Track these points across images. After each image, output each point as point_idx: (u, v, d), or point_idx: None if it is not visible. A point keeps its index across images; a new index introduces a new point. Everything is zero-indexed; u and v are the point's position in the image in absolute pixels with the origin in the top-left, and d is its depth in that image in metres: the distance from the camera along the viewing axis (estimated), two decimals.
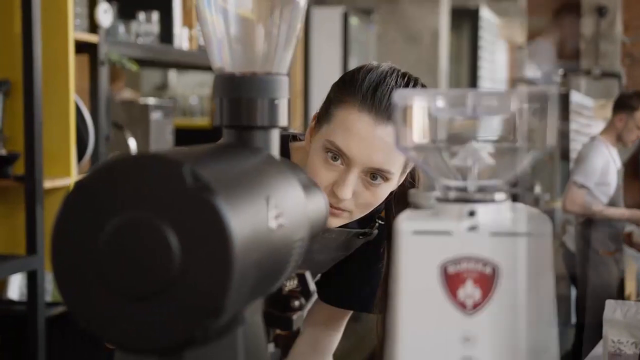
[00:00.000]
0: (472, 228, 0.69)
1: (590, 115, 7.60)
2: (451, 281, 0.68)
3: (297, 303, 0.87)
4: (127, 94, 3.73)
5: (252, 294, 0.69)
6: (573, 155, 7.21)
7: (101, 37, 2.65)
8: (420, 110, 0.72)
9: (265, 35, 0.84)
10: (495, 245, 0.68)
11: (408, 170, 1.32)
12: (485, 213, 0.70)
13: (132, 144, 2.88)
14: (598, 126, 8.47)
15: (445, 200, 0.72)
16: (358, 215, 1.29)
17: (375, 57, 5.17)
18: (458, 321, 0.68)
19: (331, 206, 1.25)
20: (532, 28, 10.07)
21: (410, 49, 5.32)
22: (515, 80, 8.60)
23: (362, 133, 1.21)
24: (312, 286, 0.88)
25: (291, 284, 0.88)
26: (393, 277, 0.71)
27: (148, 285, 0.62)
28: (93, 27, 2.64)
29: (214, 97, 0.84)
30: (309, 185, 0.87)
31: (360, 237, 1.42)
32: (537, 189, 6.49)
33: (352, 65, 5.82)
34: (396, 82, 1.25)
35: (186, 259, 0.61)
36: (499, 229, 0.69)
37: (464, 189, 0.72)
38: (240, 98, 0.82)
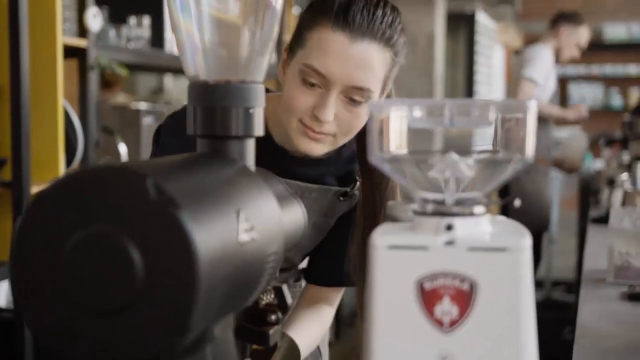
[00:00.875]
0: (449, 243, 0.67)
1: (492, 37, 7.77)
2: (427, 298, 0.66)
3: (273, 317, 0.84)
4: (121, 98, 3.70)
5: (222, 311, 0.67)
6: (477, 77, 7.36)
7: (90, 42, 2.62)
8: (396, 120, 0.70)
9: (240, 42, 0.82)
10: (473, 261, 0.66)
11: (387, 91, 1.30)
12: (464, 227, 0.68)
13: (123, 149, 2.86)
14: (499, 49, 8.59)
15: (422, 213, 0.70)
16: (342, 140, 1.27)
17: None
18: (435, 339, 0.66)
19: (313, 131, 1.24)
20: (529, 32, 10.07)
21: (406, 53, 5.29)
22: None
23: (338, 52, 1.20)
24: (289, 299, 0.86)
25: (267, 298, 0.85)
26: (368, 292, 0.68)
27: (110, 301, 0.60)
28: (82, 31, 2.62)
29: (188, 106, 0.82)
30: (285, 196, 0.85)
31: (342, 198, 1.41)
32: None
33: None
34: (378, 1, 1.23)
35: (149, 275, 0.59)
36: (476, 243, 0.66)
37: (442, 202, 0.70)
38: (215, 107, 0.79)
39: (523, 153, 0.69)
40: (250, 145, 0.81)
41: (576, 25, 4.36)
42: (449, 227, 0.68)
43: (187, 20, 0.81)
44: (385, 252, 0.67)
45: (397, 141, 0.71)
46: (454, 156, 0.70)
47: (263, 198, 0.74)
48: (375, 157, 0.70)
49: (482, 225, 0.69)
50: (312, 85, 1.22)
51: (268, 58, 0.84)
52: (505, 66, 9.53)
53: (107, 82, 3.52)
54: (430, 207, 0.70)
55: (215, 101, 0.79)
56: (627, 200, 2.95)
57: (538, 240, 4.52)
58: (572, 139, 4.73)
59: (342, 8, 1.20)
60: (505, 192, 4.36)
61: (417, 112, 0.69)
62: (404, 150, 0.71)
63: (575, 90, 10.21)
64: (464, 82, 7.34)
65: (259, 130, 0.81)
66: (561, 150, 4.66)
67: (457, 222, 0.68)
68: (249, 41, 0.82)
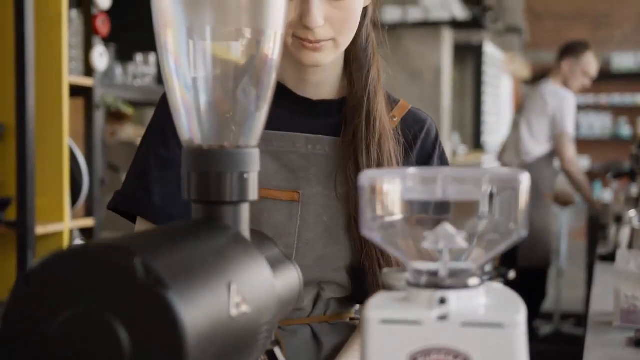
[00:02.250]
0: (443, 317, 0.66)
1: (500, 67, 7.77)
2: None
3: None
4: (129, 130, 3.71)
5: None
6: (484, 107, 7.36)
7: (96, 81, 2.63)
8: (388, 191, 0.69)
9: (235, 106, 0.82)
10: (466, 336, 0.65)
11: None
12: (458, 300, 0.67)
13: None
14: (507, 79, 8.59)
15: (415, 285, 0.69)
16: (344, 40, 1.19)
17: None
18: None
19: (310, 41, 1.17)
20: (537, 62, 10.09)
21: (413, 86, 5.31)
22: None
23: None
24: None
25: None
26: None
27: None
28: (89, 70, 2.63)
29: (182, 170, 0.81)
30: (280, 260, 0.84)
31: None
32: (455, 139, 6.49)
33: None
34: None
35: (137, 355, 0.58)
36: (470, 318, 0.65)
37: (435, 273, 0.69)
38: (209, 172, 0.79)
39: (517, 224, 0.68)
40: (245, 210, 0.81)
41: (578, 55, 4.37)
42: (443, 301, 0.67)
43: (182, 84, 0.81)
44: (378, 326, 0.66)
45: (389, 211, 0.70)
46: (447, 227, 0.70)
47: (256, 267, 0.74)
48: (366, 228, 0.69)
49: (477, 298, 0.68)
50: None
51: (263, 122, 0.84)
52: (513, 95, 9.54)
53: (115, 115, 3.53)
54: (423, 279, 0.69)
55: (210, 166, 0.79)
56: (635, 237, 2.93)
57: (544, 274, 4.49)
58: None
59: None
60: None
61: (410, 183, 0.69)
62: (396, 221, 0.70)
63: (584, 120, 10.20)
64: (472, 113, 7.34)
65: (253, 194, 0.81)
66: (556, 184, 4.66)
67: (451, 295, 0.67)
68: (244, 104, 0.82)
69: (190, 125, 0.81)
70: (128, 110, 2.68)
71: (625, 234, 2.99)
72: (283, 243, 1.21)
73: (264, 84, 0.82)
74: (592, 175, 10.16)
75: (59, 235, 2.47)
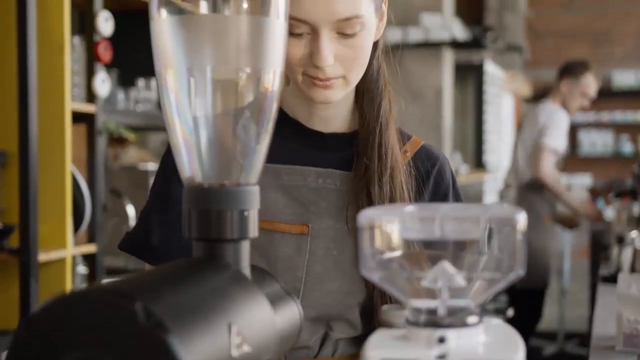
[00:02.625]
0: (442, 357, 0.66)
1: (501, 85, 7.77)
2: None
3: None
4: (132, 153, 3.72)
5: None
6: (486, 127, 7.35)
7: (99, 107, 2.65)
8: (387, 230, 0.70)
9: (234, 144, 0.82)
10: None
11: (385, 8, 1.22)
12: (457, 338, 0.67)
13: (131, 211, 2.87)
14: (508, 97, 8.59)
15: (414, 323, 0.69)
16: (354, 77, 1.18)
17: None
18: None
19: (320, 79, 1.16)
20: (538, 80, 10.12)
21: (414, 107, 5.33)
22: None
23: None
24: None
25: None
26: None
27: None
28: (91, 96, 2.65)
29: (183, 208, 0.82)
30: (281, 296, 0.85)
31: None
32: (457, 158, 6.48)
33: None
34: None
35: None
36: (470, 357, 0.66)
37: (434, 311, 0.70)
38: (210, 210, 0.80)
39: (515, 262, 0.69)
40: (245, 247, 0.81)
41: (577, 76, 4.38)
42: (442, 340, 0.67)
43: (182, 122, 0.81)
44: None
45: (388, 250, 0.71)
46: (446, 266, 0.70)
47: (256, 306, 0.74)
48: (365, 266, 0.70)
49: (476, 336, 0.69)
50: (300, 34, 1.14)
51: (264, 153, 0.85)
52: (514, 114, 9.56)
53: (118, 138, 3.55)
54: (422, 318, 0.69)
55: (210, 204, 0.80)
56: (637, 259, 2.93)
57: (541, 295, 4.48)
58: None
59: None
60: None
61: (408, 222, 0.70)
62: (395, 259, 0.71)
63: (586, 137, 10.22)
64: (473, 132, 7.36)
65: (254, 231, 0.81)
66: (556, 205, 4.65)
67: (450, 334, 0.67)
68: (244, 141, 0.83)
69: (190, 163, 0.82)
70: (130, 136, 2.69)
71: (627, 255, 2.99)
72: (291, 276, 1.20)
73: (264, 121, 0.83)
74: (594, 192, 10.15)
75: (61, 262, 2.47)
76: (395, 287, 0.71)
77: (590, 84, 4.43)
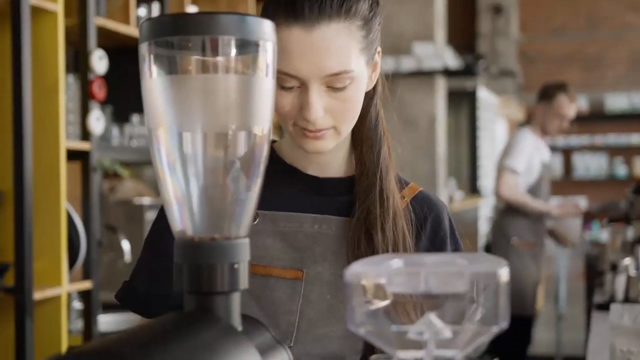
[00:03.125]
0: None
1: (494, 111, 7.79)
2: None
3: None
4: (128, 185, 3.74)
5: None
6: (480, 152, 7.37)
7: (93, 144, 2.67)
8: (373, 285, 0.72)
9: (224, 198, 0.84)
10: None
11: (375, 56, 1.22)
12: None
13: (126, 246, 2.88)
14: (502, 122, 8.62)
15: None
16: (345, 128, 1.18)
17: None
18: None
19: (310, 131, 1.16)
20: (531, 104, 10.19)
21: (408, 134, 5.36)
22: None
23: (299, 47, 1.12)
24: None
25: None
26: None
27: None
28: (85, 134, 2.67)
29: (175, 262, 0.84)
30: (271, 346, 0.86)
31: None
32: (452, 184, 6.48)
33: None
34: None
35: None
36: None
37: None
38: (200, 264, 0.81)
39: (498, 317, 0.70)
40: (236, 299, 0.83)
41: (550, 98, 4.38)
42: None
43: (173, 178, 0.83)
44: None
45: (374, 304, 0.72)
46: (432, 318, 0.72)
47: (247, 359, 0.76)
48: (351, 321, 0.71)
49: None
50: (291, 88, 1.15)
51: (254, 206, 0.86)
52: (508, 138, 9.60)
53: (114, 172, 3.57)
54: None
55: (201, 259, 0.81)
56: (630, 286, 2.94)
57: (528, 322, 4.44)
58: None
59: (289, 1, 1.14)
60: None
61: (393, 279, 0.71)
62: (381, 313, 0.73)
63: (580, 161, 10.27)
64: (468, 158, 7.39)
65: (244, 283, 0.83)
66: (554, 221, 4.65)
67: None
68: (234, 194, 0.85)
69: (182, 218, 0.83)
70: (124, 172, 2.71)
71: (621, 282, 3.00)
72: (285, 321, 1.20)
73: (253, 174, 0.85)
74: (589, 215, 10.18)
75: (56, 299, 2.48)
76: (382, 339, 0.73)
77: (563, 104, 4.38)
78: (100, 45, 2.76)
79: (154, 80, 0.81)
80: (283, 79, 1.15)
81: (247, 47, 0.81)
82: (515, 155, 4.29)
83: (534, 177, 4.37)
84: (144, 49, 0.81)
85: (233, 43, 0.80)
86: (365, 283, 0.71)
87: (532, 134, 4.41)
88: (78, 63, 2.74)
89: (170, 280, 1.09)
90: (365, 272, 0.72)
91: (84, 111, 2.64)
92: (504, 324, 0.70)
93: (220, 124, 0.82)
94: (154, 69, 0.81)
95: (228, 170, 0.83)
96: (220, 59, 0.81)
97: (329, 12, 1.13)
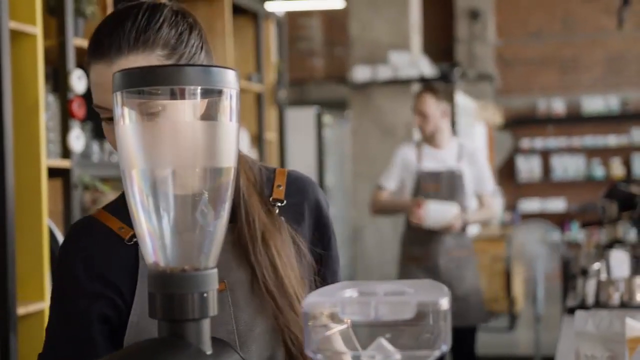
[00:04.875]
0: None
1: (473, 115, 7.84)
2: None
3: None
4: (110, 197, 3.78)
5: None
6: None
7: (74, 162, 2.73)
8: (327, 314, 0.79)
9: (193, 230, 0.91)
10: None
11: None
12: None
13: None
14: (480, 126, 8.71)
15: None
16: None
17: (349, 151, 5.33)
18: None
19: None
20: (509, 107, 10.31)
21: (385, 142, 5.44)
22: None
23: (104, 80, 1.18)
24: None
25: None
26: None
27: None
28: (66, 151, 2.73)
29: (148, 291, 0.91)
30: None
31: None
32: None
33: (327, 161, 5.95)
34: (123, 12, 1.20)
35: None
36: None
37: None
38: (172, 293, 0.88)
39: (440, 341, 0.78)
40: (206, 325, 0.90)
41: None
42: None
43: (146, 215, 0.90)
44: None
45: (328, 332, 0.80)
46: (383, 342, 0.79)
47: None
48: (309, 347, 0.79)
49: None
50: (111, 119, 1.19)
51: (221, 237, 0.93)
52: (487, 142, 9.72)
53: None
54: None
55: (173, 289, 0.88)
56: (601, 290, 3.01)
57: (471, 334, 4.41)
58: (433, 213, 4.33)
59: (94, 40, 1.20)
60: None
61: (348, 307, 0.79)
62: (335, 339, 0.80)
63: (558, 163, 10.39)
64: None
65: (213, 310, 0.90)
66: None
67: None
68: (202, 227, 0.92)
69: (154, 251, 0.91)
70: (105, 188, 2.78)
71: (591, 286, 3.07)
72: (224, 331, 1.24)
73: (220, 210, 0.92)
74: (568, 216, 10.33)
75: (39, 314, 2.54)
76: None
77: (415, 100, 4.26)
78: (79, 63, 2.82)
79: (126, 126, 0.88)
80: (101, 112, 1.21)
81: (212, 94, 0.89)
82: (386, 172, 4.16)
83: (408, 187, 4.18)
84: (117, 98, 0.88)
85: (199, 92, 0.87)
86: (319, 313, 0.79)
87: (404, 147, 4.26)
88: (57, 82, 2.80)
89: (90, 347, 1.13)
90: (320, 302, 0.79)
91: (64, 129, 2.71)
92: (445, 347, 0.78)
93: (189, 164, 0.89)
94: (126, 116, 0.88)
95: (196, 206, 0.91)
96: (187, 106, 0.88)
97: (127, 46, 1.18)
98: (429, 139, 4.17)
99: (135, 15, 1.20)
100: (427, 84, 4.34)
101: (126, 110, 0.88)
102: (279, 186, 1.33)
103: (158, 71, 0.88)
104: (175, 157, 0.89)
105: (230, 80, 0.89)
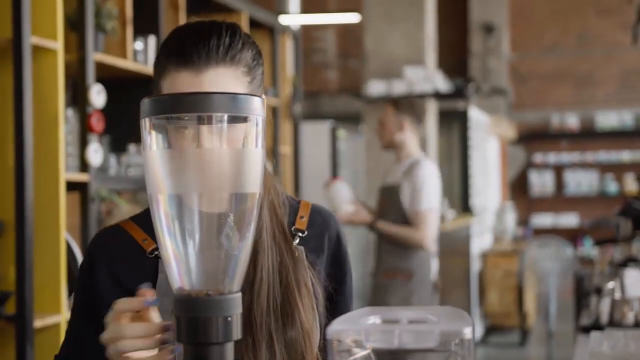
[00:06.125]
0: None
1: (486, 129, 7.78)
2: None
3: None
4: (125, 208, 3.80)
5: None
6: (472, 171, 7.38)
7: (91, 176, 2.75)
8: (352, 341, 0.80)
9: (219, 255, 0.93)
10: None
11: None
12: None
13: None
14: (493, 141, 8.67)
15: None
16: None
17: (364, 165, 5.33)
18: None
19: None
20: (522, 122, 10.30)
21: None
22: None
23: (186, 89, 1.19)
24: None
25: None
26: None
27: None
28: (84, 165, 2.75)
29: (174, 314, 0.92)
30: None
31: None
32: (444, 204, 6.50)
33: (341, 174, 5.96)
34: (206, 26, 1.23)
35: None
36: None
37: None
38: (197, 317, 0.90)
39: None
40: (230, 349, 0.91)
41: None
42: None
43: (172, 240, 0.92)
44: None
45: (353, 356, 0.81)
46: None
47: None
48: None
49: None
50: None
51: (245, 268, 0.95)
52: (500, 156, 9.71)
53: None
54: None
55: (198, 312, 0.90)
56: (615, 309, 3.00)
57: None
58: (335, 191, 4.06)
59: (179, 48, 1.22)
60: None
61: (372, 335, 0.80)
62: None
63: (571, 178, 10.36)
64: (459, 177, 7.48)
65: (237, 334, 0.91)
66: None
67: None
68: (227, 251, 0.93)
69: (179, 275, 0.92)
70: (120, 201, 2.80)
71: (605, 305, 3.06)
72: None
73: (245, 235, 0.93)
74: (581, 231, 10.29)
75: (56, 326, 2.55)
76: None
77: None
78: (98, 77, 2.85)
79: (153, 152, 0.90)
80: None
81: (238, 121, 0.90)
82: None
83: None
84: (145, 123, 0.89)
85: (225, 119, 0.89)
86: (344, 340, 0.80)
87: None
88: (77, 97, 2.83)
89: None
90: (345, 330, 0.80)
91: (83, 143, 2.73)
92: None
93: (215, 190, 0.91)
94: (154, 142, 0.89)
95: (221, 231, 0.92)
96: (214, 133, 0.89)
97: (215, 58, 1.21)
98: (393, 151, 4.09)
99: (218, 31, 1.23)
100: (394, 98, 4.26)
101: (154, 135, 0.90)
102: (301, 217, 1.35)
103: (186, 98, 0.89)
104: (201, 183, 0.90)
105: (256, 107, 0.91)
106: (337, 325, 0.81)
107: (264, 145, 0.93)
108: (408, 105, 4.03)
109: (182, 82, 1.21)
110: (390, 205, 3.94)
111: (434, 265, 4.06)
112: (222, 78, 1.21)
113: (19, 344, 2.37)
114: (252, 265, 1.24)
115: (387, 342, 0.79)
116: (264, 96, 1.32)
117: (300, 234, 1.32)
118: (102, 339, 1.02)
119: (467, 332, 0.78)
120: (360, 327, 0.80)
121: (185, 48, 1.21)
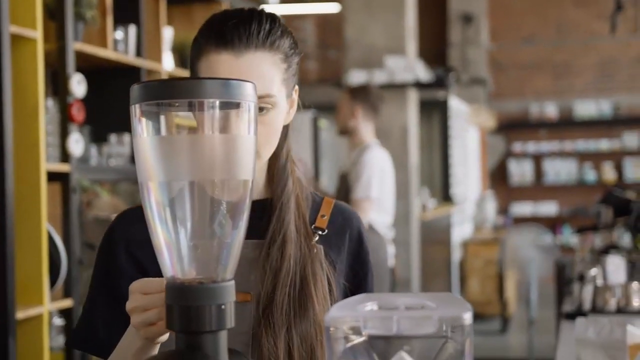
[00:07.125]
0: None
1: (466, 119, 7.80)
2: None
3: None
4: (105, 199, 3.76)
5: None
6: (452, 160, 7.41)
7: (73, 166, 2.72)
8: (350, 328, 0.79)
9: (211, 247, 0.91)
10: None
11: (296, 97, 1.31)
12: None
13: None
14: (473, 130, 8.70)
15: None
16: (265, 153, 1.26)
17: (346, 156, 5.32)
18: None
19: None
20: (502, 111, 10.34)
21: (381, 145, 5.43)
22: None
23: (226, 70, 1.21)
24: None
25: None
26: None
27: None
28: (65, 155, 2.72)
29: (166, 303, 0.91)
30: None
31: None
32: (425, 193, 6.53)
33: (324, 165, 5.95)
34: (246, 12, 1.25)
35: None
36: None
37: None
38: (190, 306, 0.89)
39: (463, 355, 0.78)
40: (223, 337, 0.90)
41: None
42: None
43: (164, 228, 0.90)
44: None
45: (351, 345, 0.80)
46: (404, 355, 0.80)
47: None
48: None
49: None
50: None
51: (238, 250, 0.93)
52: (480, 145, 9.74)
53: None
54: None
55: (190, 301, 0.89)
56: (597, 296, 3.02)
57: None
58: None
59: (220, 30, 1.23)
60: None
61: (369, 321, 0.79)
62: (358, 352, 0.80)
63: (550, 167, 10.42)
64: (440, 166, 7.50)
65: (230, 322, 0.90)
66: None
67: None
68: (219, 243, 0.92)
69: (172, 264, 0.91)
70: (102, 192, 2.77)
71: (588, 292, 3.07)
72: (239, 341, 1.23)
73: (237, 222, 0.92)
74: (560, 220, 10.37)
75: (38, 318, 2.53)
76: None
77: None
78: (78, 67, 2.81)
79: (144, 139, 0.88)
80: None
81: (230, 107, 0.89)
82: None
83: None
84: (135, 110, 0.88)
85: (217, 104, 0.87)
86: (341, 327, 0.79)
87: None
88: (57, 87, 2.80)
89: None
90: (342, 316, 0.80)
91: (64, 134, 2.70)
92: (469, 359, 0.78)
93: (206, 177, 0.90)
94: (144, 128, 0.88)
95: (213, 218, 0.91)
96: (205, 119, 0.88)
97: (255, 42, 1.23)
98: (348, 137, 4.13)
99: (259, 17, 1.24)
100: (351, 86, 4.30)
101: (144, 122, 0.88)
102: (322, 216, 1.35)
103: (177, 84, 0.88)
104: (193, 170, 0.89)
105: (248, 93, 0.90)
106: (335, 312, 0.80)
107: (256, 132, 0.92)
108: (363, 93, 4.07)
109: (221, 63, 1.22)
110: (342, 192, 4.01)
111: (390, 251, 4.09)
112: (261, 62, 1.23)
113: (1, 336, 2.34)
114: (280, 254, 1.26)
115: (385, 329, 0.79)
116: (297, 88, 1.33)
117: (320, 232, 1.32)
118: (127, 307, 1.01)
119: (467, 317, 0.77)
120: (358, 313, 0.79)
121: (227, 30, 1.23)
